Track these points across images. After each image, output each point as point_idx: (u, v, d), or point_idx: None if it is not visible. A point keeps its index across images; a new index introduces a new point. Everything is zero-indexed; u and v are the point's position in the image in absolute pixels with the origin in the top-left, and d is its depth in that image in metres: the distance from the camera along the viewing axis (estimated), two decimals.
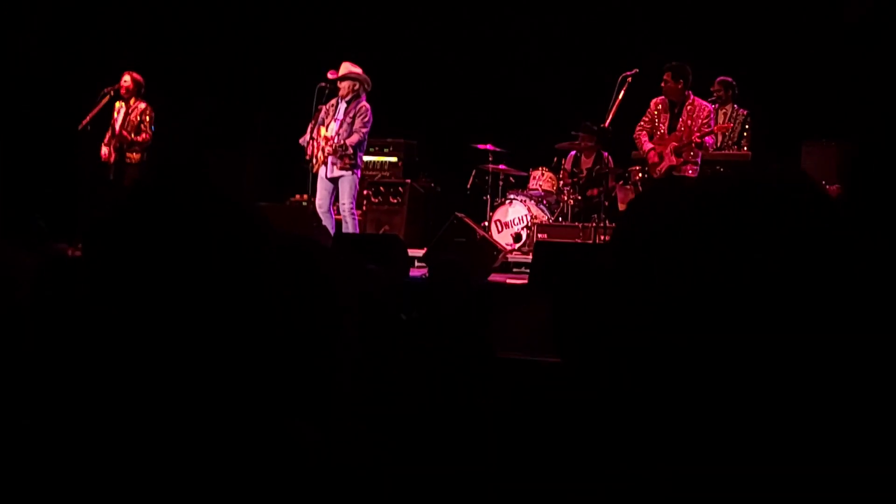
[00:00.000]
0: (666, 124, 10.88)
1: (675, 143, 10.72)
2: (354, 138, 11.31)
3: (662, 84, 10.86)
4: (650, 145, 10.93)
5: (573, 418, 1.24)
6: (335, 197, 11.54)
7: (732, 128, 11.76)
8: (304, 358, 1.95)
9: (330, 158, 11.34)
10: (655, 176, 10.89)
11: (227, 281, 1.48)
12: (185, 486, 1.46)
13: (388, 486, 1.63)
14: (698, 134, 10.68)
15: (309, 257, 2.02)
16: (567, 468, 1.32)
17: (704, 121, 10.74)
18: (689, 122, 10.75)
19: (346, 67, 11.51)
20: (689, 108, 10.80)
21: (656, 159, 10.87)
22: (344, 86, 11.45)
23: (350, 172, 11.38)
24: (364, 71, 11.58)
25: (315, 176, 11.55)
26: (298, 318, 1.99)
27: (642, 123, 11.03)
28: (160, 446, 1.45)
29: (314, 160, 11.45)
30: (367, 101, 11.50)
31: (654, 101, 10.99)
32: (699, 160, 10.84)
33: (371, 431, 1.96)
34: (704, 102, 11.03)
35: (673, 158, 10.71)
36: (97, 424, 1.47)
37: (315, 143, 11.40)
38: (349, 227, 11.46)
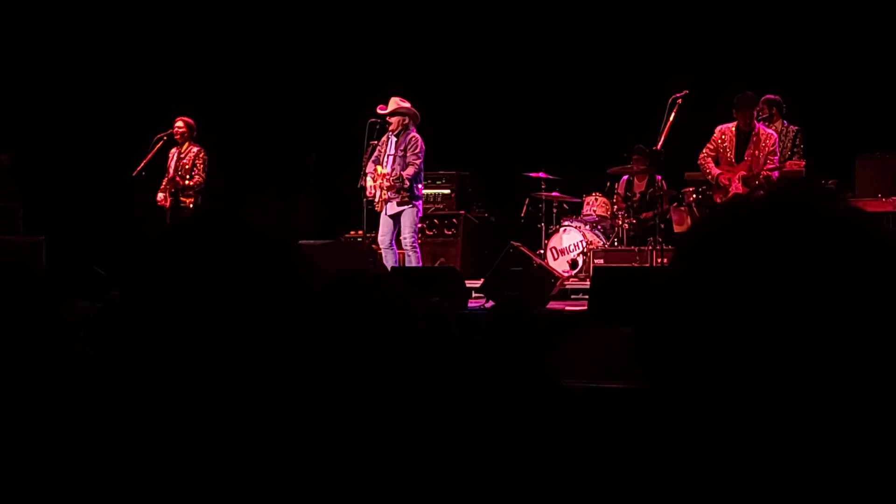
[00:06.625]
0: (733, 151, 10.80)
1: (743, 173, 10.65)
2: (410, 170, 11.35)
3: (735, 112, 10.78)
4: (718, 170, 10.85)
5: (656, 445, 1.21)
6: (398, 232, 11.58)
7: (784, 144, 11.65)
8: (377, 398, 1.91)
9: (389, 194, 11.38)
10: (720, 200, 10.75)
11: (264, 321, 1.41)
12: None
13: None
14: (768, 167, 10.61)
15: (384, 292, 2.01)
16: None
17: (771, 149, 10.67)
18: (757, 152, 10.68)
19: (395, 103, 11.58)
20: (754, 138, 10.73)
21: (726, 182, 10.78)
22: (393, 121, 11.52)
23: (410, 206, 11.42)
24: (413, 105, 11.65)
25: (373, 213, 11.59)
26: (372, 355, 1.97)
27: (707, 150, 10.94)
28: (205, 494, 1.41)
29: (376, 199, 11.49)
30: (418, 133, 11.56)
31: (718, 128, 10.91)
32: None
33: (447, 472, 1.93)
34: (770, 130, 10.97)
35: (740, 187, 10.58)
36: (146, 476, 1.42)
37: (374, 183, 11.45)
38: (412, 260, 11.48)
